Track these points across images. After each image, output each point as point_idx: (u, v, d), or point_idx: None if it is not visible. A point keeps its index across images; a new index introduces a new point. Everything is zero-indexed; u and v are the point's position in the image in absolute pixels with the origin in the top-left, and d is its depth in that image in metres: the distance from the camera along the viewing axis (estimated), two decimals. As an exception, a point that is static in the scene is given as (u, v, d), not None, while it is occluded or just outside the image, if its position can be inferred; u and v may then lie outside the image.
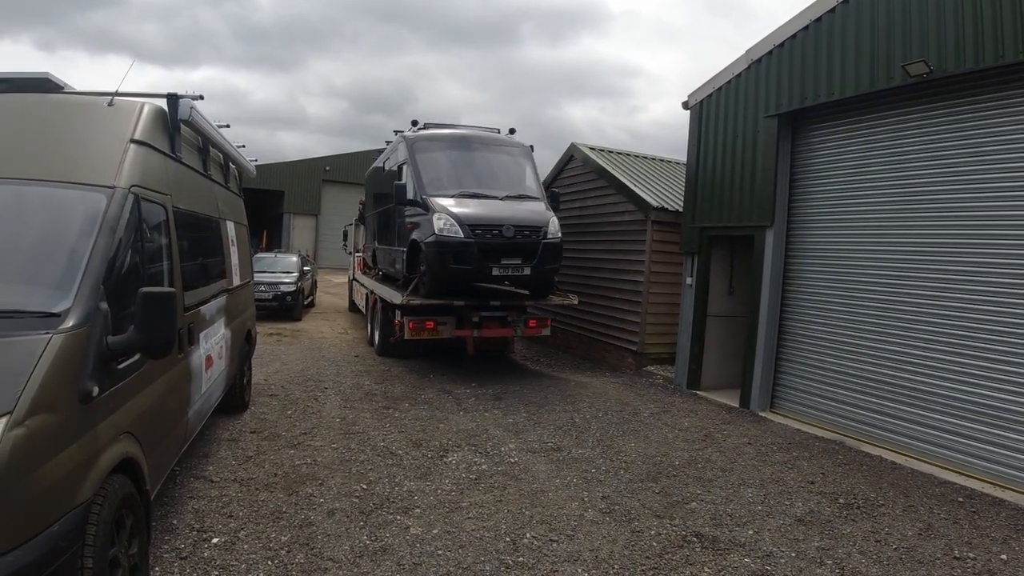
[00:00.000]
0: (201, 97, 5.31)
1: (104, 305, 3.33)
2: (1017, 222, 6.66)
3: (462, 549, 4.70)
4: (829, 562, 4.75)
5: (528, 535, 4.97)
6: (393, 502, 5.48)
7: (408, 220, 11.15)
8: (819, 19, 8.49)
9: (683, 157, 12.00)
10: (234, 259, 7.29)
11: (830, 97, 8.37)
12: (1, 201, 3.67)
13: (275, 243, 37.89)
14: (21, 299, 3.23)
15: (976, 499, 6.19)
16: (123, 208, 3.75)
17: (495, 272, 10.05)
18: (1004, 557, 4.95)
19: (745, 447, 7.60)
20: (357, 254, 19.65)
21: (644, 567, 4.57)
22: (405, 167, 11.25)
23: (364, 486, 5.80)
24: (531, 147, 12.07)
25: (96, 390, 3.15)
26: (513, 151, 11.80)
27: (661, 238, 12.12)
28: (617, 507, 5.62)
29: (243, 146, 8.34)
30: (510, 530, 5.05)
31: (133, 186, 3.96)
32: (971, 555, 4.96)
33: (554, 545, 4.84)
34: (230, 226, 7.28)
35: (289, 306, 17.90)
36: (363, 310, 16.30)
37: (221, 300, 6.35)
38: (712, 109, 10.68)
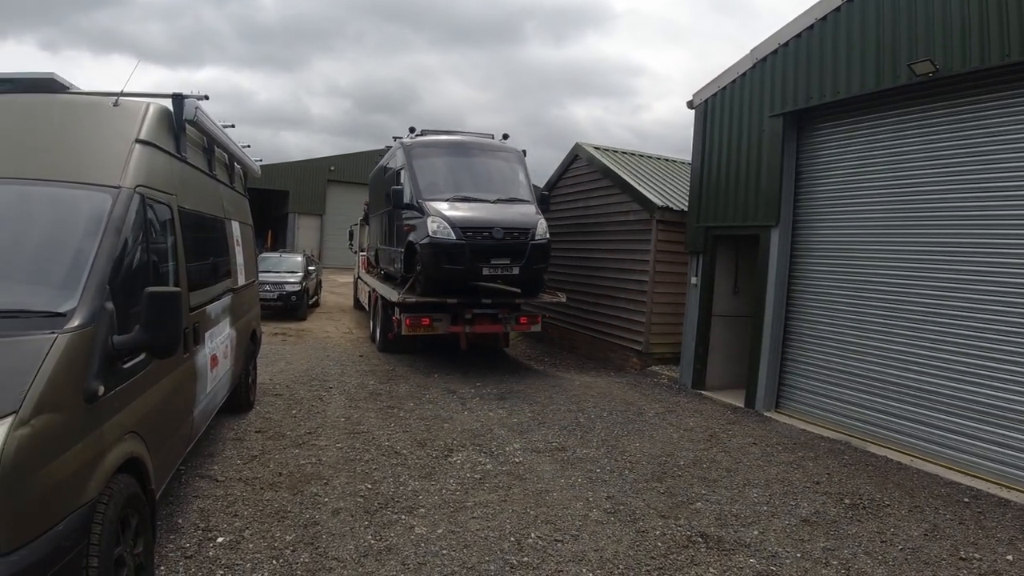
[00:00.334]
0: (206, 97, 5.31)
1: (110, 305, 3.33)
2: (1024, 221, 6.64)
3: (467, 549, 4.70)
4: (835, 563, 4.74)
5: (533, 535, 4.97)
6: (398, 502, 5.48)
7: (405, 223, 11.67)
8: (824, 18, 8.46)
9: (688, 156, 11.99)
10: (239, 259, 7.30)
11: (836, 96, 8.35)
12: (7, 201, 3.68)
13: (280, 243, 38.00)
14: (27, 299, 3.24)
15: (982, 499, 6.17)
16: (128, 208, 3.76)
17: (485, 272, 10.57)
18: (1010, 558, 4.92)
19: (750, 447, 7.58)
20: (361, 253, 20.03)
21: (649, 567, 4.57)
22: (403, 172, 11.75)
23: (369, 485, 5.81)
24: (524, 152, 12.54)
25: (101, 389, 3.15)
26: (506, 156, 12.30)
27: (666, 238, 12.10)
28: (622, 507, 5.61)
29: (248, 146, 8.35)
30: (515, 530, 5.04)
31: (138, 186, 3.97)
32: (977, 556, 4.94)
33: (559, 545, 4.83)
34: (235, 226, 7.29)
35: (294, 306, 17.93)
36: (367, 308, 16.70)
37: (226, 300, 6.36)
38: (717, 108, 10.66)
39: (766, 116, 9.54)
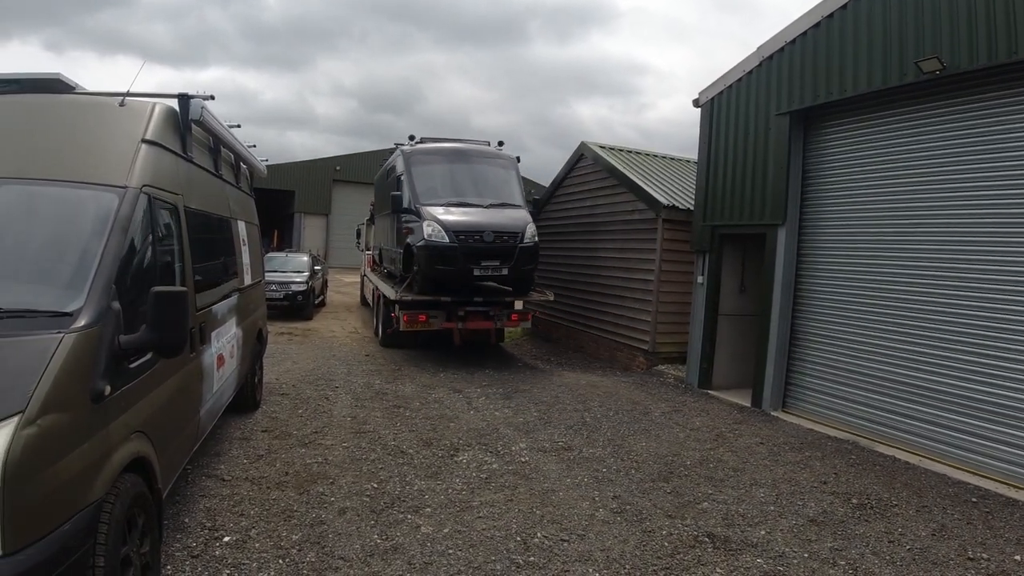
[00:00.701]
0: (212, 97, 5.32)
1: (116, 304, 3.34)
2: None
3: (473, 548, 4.69)
4: (842, 563, 4.72)
5: (539, 535, 4.96)
6: (404, 501, 5.48)
7: (404, 225, 12.41)
8: (831, 15, 8.42)
9: (693, 155, 11.98)
10: (245, 259, 7.31)
11: (842, 94, 8.31)
12: (14, 201, 3.69)
13: (286, 243, 38.08)
14: (33, 298, 3.25)
15: (990, 499, 6.14)
16: (135, 208, 3.77)
17: (476, 272, 11.26)
18: (1018, 558, 4.89)
19: (757, 447, 7.56)
20: (367, 252, 20.52)
21: (656, 567, 4.55)
22: (402, 178, 12.44)
23: (375, 485, 5.81)
24: (517, 158, 13.21)
25: (108, 389, 3.16)
26: (499, 163, 12.96)
27: (672, 237, 12.08)
28: (628, 507, 5.60)
29: (254, 146, 8.37)
30: (521, 529, 5.04)
31: (145, 186, 3.97)
32: (985, 556, 4.91)
33: (565, 545, 4.83)
34: (241, 226, 7.31)
35: (300, 305, 17.98)
36: (371, 305, 17.26)
37: (233, 299, 6.37)
38: (723, 107, 10.63)
39: (772, 114, 9.50)
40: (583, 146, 15.19)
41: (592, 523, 5.23)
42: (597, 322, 14.21)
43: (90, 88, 5.30)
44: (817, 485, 6.34)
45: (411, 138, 13.12)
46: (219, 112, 5.78)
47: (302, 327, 16.52)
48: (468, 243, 11.11)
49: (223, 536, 4.65)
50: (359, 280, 23.98)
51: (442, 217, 11.29)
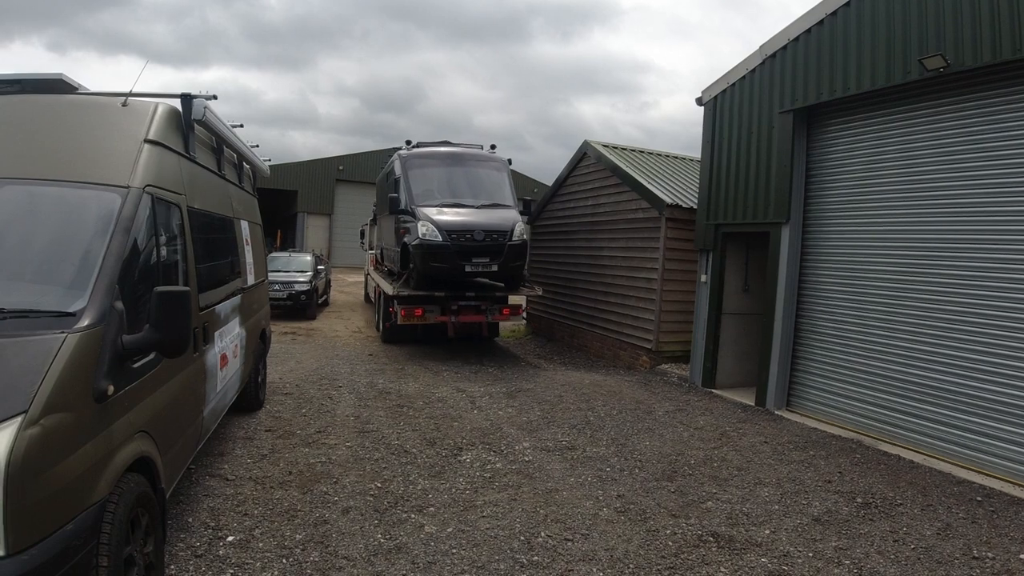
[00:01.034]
0: (215, 97, 5.32)
1: (119, 304, 3.34)
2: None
3: (476, 548, 4.69)
4: (847, 562, 4.70)
5: (543, 534, 4.96)
6: (407, 500, 5.48)
7: (401, 225, 13.08)
8: (834, 13, 8.40)
9: (697, 153, 11.96)
10: (248, 258, 7.31)
11: (845, 92, 8.29)
12: (17, 201, 3.70)
13: (289, 242, 38.09)
14: (36, 298, 3.25)
15: (995, 498, 6.11)
16: (137, 208, 3.76)
17: (467, 269, 11.92)
18: (1023, 557, 4.89)
19: (761, 446, 7.55)
20: (371, 251, 20.81)
21: (660, 567, 4.55)
22: (399, 181, 13.15)
23: (378, 484, 5.81)
24: (509, 161, 14.01)
25: (111, 389, 3.16)
26: (492, 165, 13.69)
27: (675, 235, 12.06)
28: (632, 506, 5.59)
29: (256, 146, 8.37)
30: (524, 529, 5.03)
31: (147, 186, 3.97)
32: (990, 555, 4.90)
33: (569, 544, 4.82)
34: (244, 225, 7.31)
35: (303, 305, 18.00)
36: (374, 301, 17.81)
37: (236, 299, 6.37)
38: (726, 105, 10.61)
39: (776, 113, 9.48)
40: (586, 145, 15.18)
41: (596, 522, 5.22)
42: (600, 321, 14.20)
43: (92, 88, 5.30)
44: (821, 484, 6.32)
45: (408, 143, 13.85)
46: (221, 112, 5.78)
47: (305, 327, 16.54)
48: (460, 241, 11.76)
49: (227, 536, 4.65)
50: (363, 279, 24.61)
51: (436, 217, 11.95)
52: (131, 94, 4.55)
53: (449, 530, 4.95)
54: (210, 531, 4.71)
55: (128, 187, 3.81)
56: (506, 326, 18.07)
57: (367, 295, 21.98)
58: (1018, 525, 5.48)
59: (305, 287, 18.06)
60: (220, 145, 6.35)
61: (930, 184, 7.62)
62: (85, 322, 3.11)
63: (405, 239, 12.61)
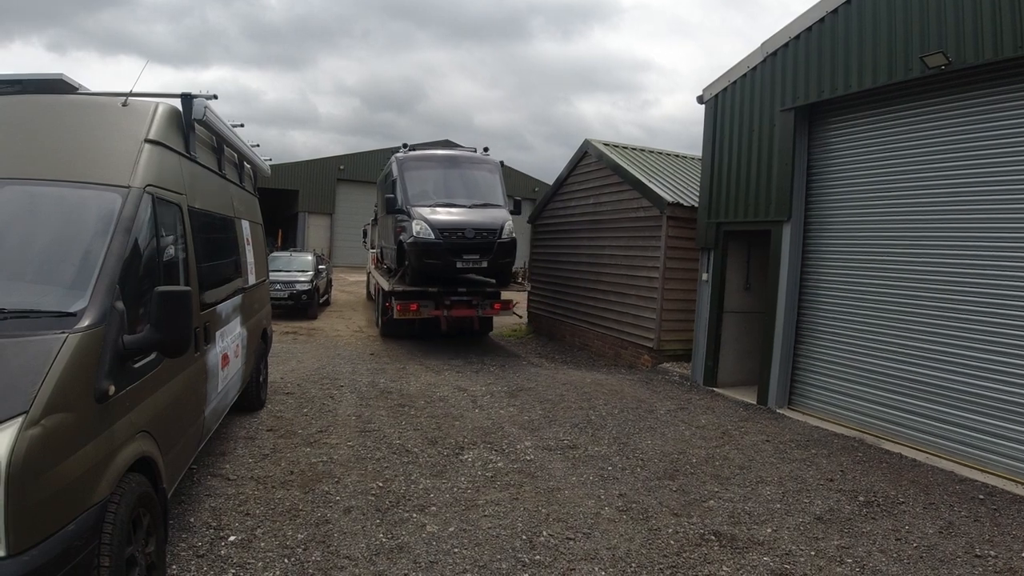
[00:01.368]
0: (215, 96, 5.31)
1: (120, 304, 3.33)
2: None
3: (478, 547, 4.68)
4: (849, 560, 4.70)
5: (544, 533, 4.95)
6: (409, 500, 5.47)
7: (398, 224, 13.70)
8: (835, 11, 8.39)
9: (698, 152, 11.95)
10: (249, 258, 7.31)
11: (847, 90, 8.28)
12: (17, 201, 3.69)
13: (290, 242, 38.11)
14: (37, 299, 3.25)
15: (997, 496, 6.11)
16: (138, 207, 3.76)
17: (459, 265, 12.52)
18: (1028, 555, 4.87)
19: (763, 444, 7.54)
20: (372, 250, 21.18)
21: (662, 565, 4.54)
22: (396, 182, 13.81)
23: (380, 484, 5.80)
24: (501, 162, 14.63)
25: (112, 389, 3.15)
26: (485, 167, 14.33)
27: (676, 234, 12.05)
28: (634, 505, 5.58)
29: (257, 145, 8.36)
30: (526, 528, 5.03)
31: (148, 186, 3.97)
32: (992, 553, 4.89)
33: (571, 543, 4.82)
34: (245, 225, 7.30)
35: (304, 305, 18.00)
36: (374, 298, 18.45)
37: (237, 299, 6.37)
38: (727, 103, 10.60)
39: (777, 111, 9.47)
40: (587, 143, 15.17)
41: (598, 521, 5.22)
42: (602, 320, 14.20)
43: (93, 88, 5.29)
44: (824, 483, 6.32)
45: (404, 146, 14.64)
46: (222, 112, 5.77)
47: (307, 326, 16.54)
48: (451, 239, 12.38)
49: (228, 535, 4.65)
50: (365, 279, 25.26)
51: (429, 216, 12.58)
52: (131, 94, 4.55)
53: (451, 529, 4.95)
54: (212, 531, 4.71)
55: (129, 187, 3.81)
56: (507, 325, 18.12)
57: (369, 293, 22.37)
58: (1021, 523, 5.47)
59: (306, 287, 18.06)
60: (221, 145, 6.34)
61: (933, 181, 7.61)
62: (86, 322, 3.10)
63: (401, 237, 13.20)
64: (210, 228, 5.58)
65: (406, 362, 11.94)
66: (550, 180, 19.19)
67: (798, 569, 4.55)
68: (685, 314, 11.92)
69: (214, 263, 5.62)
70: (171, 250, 4.36)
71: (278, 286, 16.85)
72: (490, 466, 6.42)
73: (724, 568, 4.53)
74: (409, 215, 12.82)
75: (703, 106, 11.24)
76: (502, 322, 18.54)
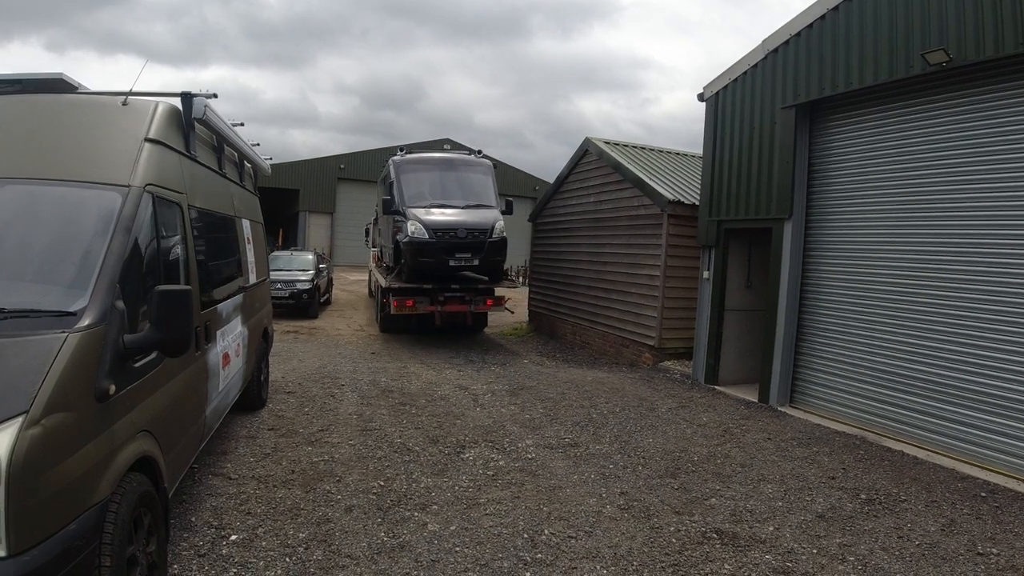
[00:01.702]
0: (215, 95, 5.30)
1: (120, 304, 3.33)
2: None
3: (480, 546, 4.68)
4: (851, 558, 4.69)
5: (546, 531, 4.95)
6: (410, 498, 5.47)
7: (395, 224, 14.45)
8: (836, 8, 8.37)
9: (698, 150, 11.94)
10: (250, 257, 7.31)
11: (848, 87, 8.26)
12: (17, 201, 3.69)
13: (291, 241, 38.14)
14: (37, 298, 3.24)
15: (999, 494, 6.10)
16: (138, 207, 3.76)
17: (451, 263, 13.17)
18: (1031, 553, 4.86)
19: (765, 442, 7.53)
20: (373, 249, 21.66)
21: (664, 563, 4.54)
22: (393, 184, 14.41)
23: (381, 483, 5.80)
24: (494, 165, 15.43)
25: (113, 388, 3.15)
26: (478, 169, 14.99)
27: (677, 232, 12.04)
28: (636, 503, 5.58)
29: (257, 144, 8.36)
30: (528, 526, 5.02)
31: (148, 185, 3.97)
32: (995, 551, 4.88)
33: (572, 542, 4.81)
34: (246, 224, 7.30)
35: (305, 304, 18.00)
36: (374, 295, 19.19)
37: (238, 298, 6.37)
38: (728, 101, 10.58)
39: (778, 108, 9.46)
40: (587, 142, 15.16)
41: (599, 520, 5.21)
42: (603, 318, 14.19)
43: (92, 88, 5.29)
44: (825, 480, 6.31)
45: (401, 149, 15.38)
46: (221, 111, 5.76)
47: (308, 325, 16.54)
48: (444, 238, 13.04)
49: (230, 535, 4.65)
50: (366, 277, 25.90)
51: (424, 217, 13.24)
52: (131, 93, 4.54)
53: (452, 528, 4.94)
54: (213, 530, 4.71)
55: (129, 186, 3.81)
56: (508, 323, 18.14)
57: (371, 290, 22.75)
58: (1023, 521, 5.46)
59: (307, 286, 18.06)
60: (221, 144, 6.34)
61: (934, 179, 7.60)
62: (86, 322, 3.10)
63: (397, 237, 13.91)
64: (211, 227, 5.58)
65: (407, 361, 11.95)
66: (550, 178, 19.20)
67: (800, 567, 4.55)
68: (686, 312, 11.91)
69: (215, 262, 5.62)
70: (171, 249, 4.36)
71: (279, 285, 16.86)
72: (491, 465, 6.42)
73: (726, 566, 4.53)
74: (405, 216, 13.42)
75: (704, 104, 11.22)
76: (503, 321, 18.58)
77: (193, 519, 4.86)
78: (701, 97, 11.24)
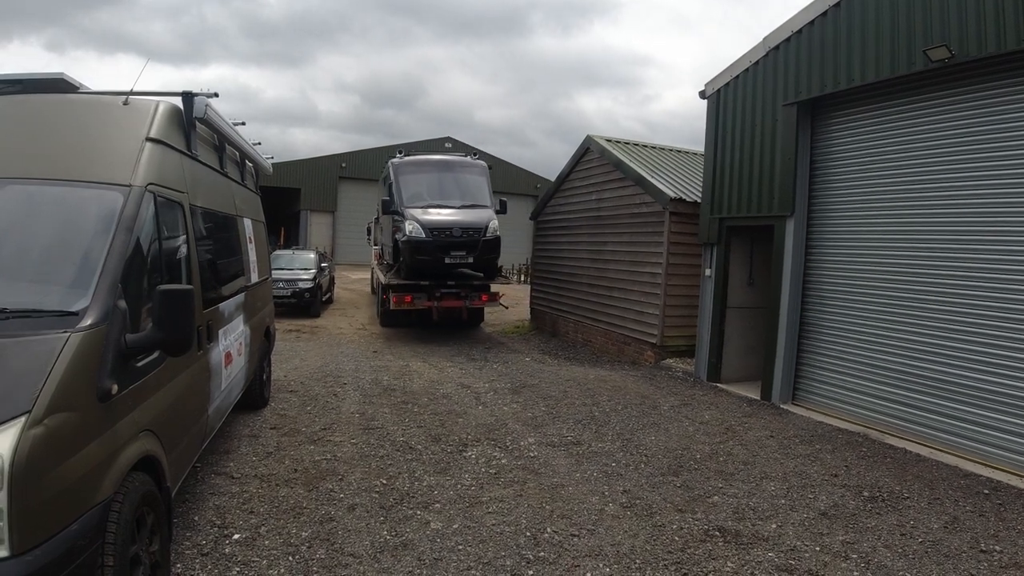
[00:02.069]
0: (216, 95, 5.30)
1: (122, 303, 3.33)
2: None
3: (482, 544, 4.68)
4: (854, 556, 4.69)
5: (549, 530, 4.95)
6: (413, 497, 5.47)
7: (394, 224, 15.10)
8: (837, 4, 8.35)
9: (699, 147, 11.92)
10: (252, 256, 7.31)
11: (850, 84, 8.24)
12: (19, 201, 3.69)
13: (293, 240, 38.15)
14: (39, 298, 3.25)
15: (1002, 491, 6.09)
16: (140, 206, 3.76)
17: (447, 261, 13.75)
18: (1034, 550, 4.86)
19: (767, 440, 7.53)
20: (375, 247, 21.84)
21: (666, 561, 4.53)
22: (392, 186, 15.02)
23: (384, 481, 5.80)
24: (489, 166, 15.99)
25: (115, 388, 3.15)
26: (473, 170, 15.60)
27: (679, 229, 12.02)
28: (638, 501, 5.58)
29: (259, 143, 8.36)
30: (530, 525, 5.02)
31: (150, 184, 3.97)
32: (997, 548, 4.87)
33: (575, 540, 4.81)
34: (247, 223, 7.30)
35: (307, 303, 18.02)
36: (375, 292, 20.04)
37: (240, 297, 6.37)
38: (730, 98, 10.57)
39: (780, 105, 9.44)
40: (589, 139, 15.15)
41: (602, 518, 5.21)
42: (604, 316, 14.18)
43: (93, 87, 5.29)
44: (828, 478, 6.30)
45: (399, 151, 15.96)
46: (222, 110, 5.76)
47: (310, 324, 16.56)
48: (440, 237, 13.60)
49: (233, 534, 4.66)
50: (368, 276, 26.47)
51: (421, 217, 13.81)
52: (132, 93, 4.54)
53: (455, 526, 4.95)
54: (216, 529, 4.71)
55: (130, 186, 3.81)
56: (510, 322, 18.14)
57: (373, 287, 23.13)
58: (1026, 518, 5.45)
59: (309, 284, 18.07)
60: (222, 143, 6.34)
61: (937, 174, 7.58)
62: (88, 321, 3.10)
63: (396, 236, 14.54)
64: (212, 226, 5.58)
65: (409, 359, 11.95)
66: (552, 176, 19.20)
67: (803, 565, 4.54)
68: (688, 310, 11.89)
69: (216, 261, 5.62)
70: (173, 249, 4.36)
71: (281, 284, 16.87)
72: (494, 463, 6.42)
73: (729, 564, 4.53)
74: (403, 216, 14.00)
75: (705, 101, 11.21)
76: (505, 319, 18.59)
77: (196, 518, 4.86)
78: (703, 94, 11.23)
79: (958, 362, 7.21)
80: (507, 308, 17.12)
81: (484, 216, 14.33)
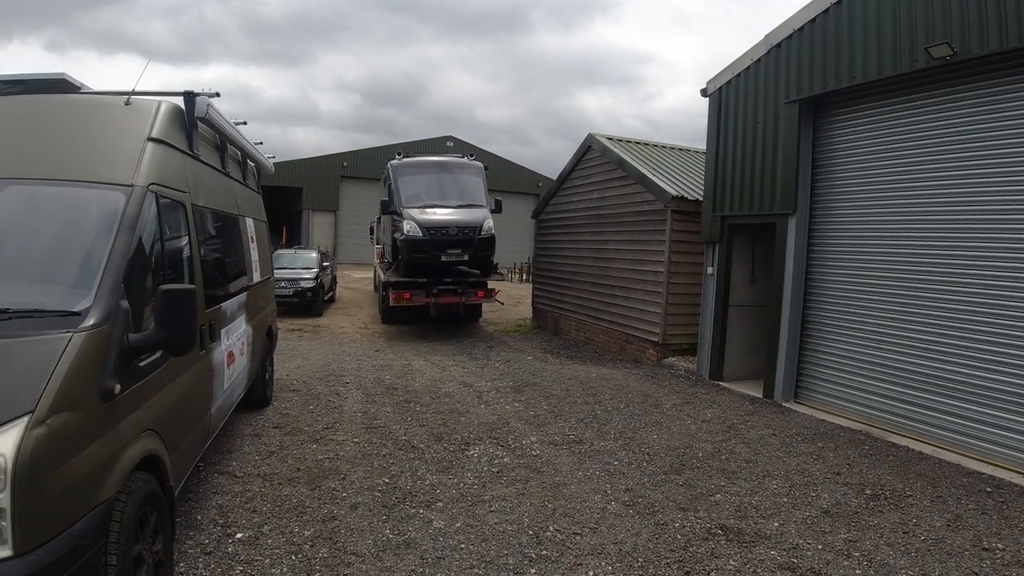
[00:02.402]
0: (217, 94, 5.30)
1: (124, 303, 3.34)
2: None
3: (485, 542, 4.69)
4: (856, 554, 4.68)
5: (551, 528, 4.95)
6: (415, 496, 5.48)
7: (393, 224, 15.75)
8: (839, 2, 8.33)
9: (701, 145, 11.91)
10: (254, 256, 7.31)
11: (852, 81, 8.23)
12: (21, 201, 3.70)
13: (294, 239, 38.15)
14: (41, 298, 3.25)
15: (1004, 489, 6.08)
16: (142, 206, 3.76)
17: (443, 259, 14.29)
18: (1037, 548, 4.85)
19: (769, 438, 7.52)
20: (377, 246, 21.90)
21: (669, 560, 4.54)
22: (391, 187, 15.60)
23: (386, 480, 5.81)
24: (485, 167, 16.59)
25: (118, 388, 3.16)
26: (468, 171, 16.14)
27: (681, 227, 12.01)
28: (640, 500, 5.58)
29: (261, 143, 8.36)
30: (533, 523, 5.03)
31: (152, 184, 3.97)
32: (1000, 546, 4.87)
33: (577, 538, 4.81)
34: (249, 223, 7.31)
35: (309, 302, 18.05)
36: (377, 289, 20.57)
37: (242, 297, 6.38)
38: (732, 96, 10.55)
39: (781, 103, 9.42)
40: (590, 138, 15.14)
41: (604, 516, 5.22)
42: (606, 314, 14.18)
43: (95, 87, 5.29)
44: (830, 476, 6.30)
45: (398, 154, 16.54)
46: (223, 110, 5.76)
47: (312, 323, 16.58)
48: (437, 236, 14.11)
49: (236, 533, 4.67)
50: (371, 275, 26.87)
51: (418, 217, 14.33)
52: (134, 93, 4.55)
53: (457, 525, 4.95)
54: (219, 528, 4.72)
55: (132, 186, 3.81)
56: (511, 320, 18.15)
57: (375, 286, 23.36)
58: (1029, 515, 5.45)
59: (311, 284, 18.10)
60: (224, 143, 6.34)
61: (939, 172, 7.57)
62: (91, 321, 3.10)
63: (395, 235, 15.12)
64: (214, 226, 5.58)
65: (411, 358, 11.96)
66: (553, 175, 19.19)
67: (805, 563, 4.54)
68: (690, 308, 11.88)
69: (219, 261, 5.62)
70: (175, 248, 4.36)
71: (283, 283, 16.91)
72: (496, 462, 6.42)
73: (731, 562, 4.53)
74: (402, 215, 14.55)
75: (707, 99, 11.19)
76: (507, 317, 18.60)
77: (199, 517, 4.87)
78: (704, 92, 11.21)
79: (960, 359, 7.20)
80: (503, 304, 17.36)
81: (479, 215, 14.81)
